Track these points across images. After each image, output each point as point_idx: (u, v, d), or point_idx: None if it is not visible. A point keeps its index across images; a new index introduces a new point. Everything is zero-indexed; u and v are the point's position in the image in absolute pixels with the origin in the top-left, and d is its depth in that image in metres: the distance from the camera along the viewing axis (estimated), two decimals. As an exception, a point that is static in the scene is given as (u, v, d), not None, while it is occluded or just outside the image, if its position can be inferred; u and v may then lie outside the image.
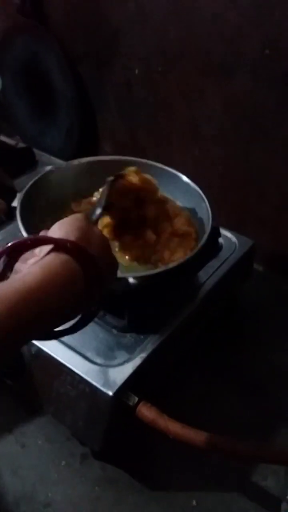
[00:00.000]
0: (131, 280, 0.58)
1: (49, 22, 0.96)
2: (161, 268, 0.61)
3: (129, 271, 0.62)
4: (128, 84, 0.90)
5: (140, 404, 0.54)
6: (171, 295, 0.64)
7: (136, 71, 0.87)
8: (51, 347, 0.58)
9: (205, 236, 0.61)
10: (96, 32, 0.90)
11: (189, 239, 0.65)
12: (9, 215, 0.72)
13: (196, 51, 0.77)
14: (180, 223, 0.67)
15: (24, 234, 0.58)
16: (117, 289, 0.59)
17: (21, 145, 0.93)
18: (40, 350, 0.58)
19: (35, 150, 0.91)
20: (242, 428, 0.62)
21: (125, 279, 0.58)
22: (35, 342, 0.58)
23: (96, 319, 0.60)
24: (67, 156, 0.96)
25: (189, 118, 0.85)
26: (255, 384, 0.69)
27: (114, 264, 0.44)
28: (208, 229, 0.62)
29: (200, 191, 0.67)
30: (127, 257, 0.64)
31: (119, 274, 0.59)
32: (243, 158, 0.80)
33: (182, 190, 0.70)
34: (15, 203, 0.63)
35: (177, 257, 0.62)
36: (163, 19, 0.79)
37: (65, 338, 0.58)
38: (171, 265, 0.59)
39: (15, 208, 0.63)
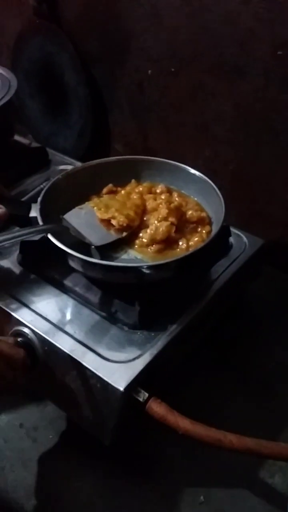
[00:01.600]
0: (144, 269, 0.58)
1: (63, 24, 0.97)
2: (176, 256, 0.62)
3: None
4: (141, 85, 0.91)
5: (151, 400, 0.55)
6: (182, 287, 0.64)
7: (149, 72, 0.88)
8: (63, 343, 0.59)
9: (220, 222, 0.62)
10: (110, 34, 0.91)
11: (204, 224, 0.67)
12: (11, 222, 0.70)
13: (208, 52, 0.78)
14: (192, 210, 0.68)
15: (55, 242, 0.60)
16: (136, 279, 0.60)
17: (35, 144, 0.95)
18: (52, 346, 0.59)
19: (48, 150, 0.92)
20: (250, 426, 0.62)
21: (138, 269, 0.59)
22: (46, 337, 0.59)
23: (107, 316, 0.62)
24: (79, 155, 0.98)
25: (200, 119, 0.86)
26: (263, 382, 0.69)
27: None
28: (222, 215, 0.62)
29: (208, 179, 0.68)
30: (149, 249, 0.65)
31: (132, 263, 0.61)
32: (253, 159, 0.81)
33: (191, 183, 0.71)
34: (33, 213, 0.65)
35: (195, 242, 0.64)
36: (176, 21, 0.80)
37: (77, 335, 0.60)
38: (190, 251, 0.61)
39: (35, 218, 0.64)
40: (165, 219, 0.66)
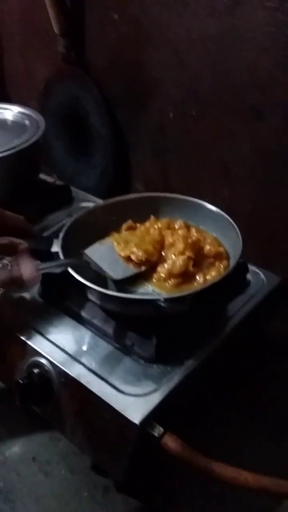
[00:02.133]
0: (161, 302, 0.59)
1: (90, 70, 1.02)
2: (193, 289, 0.63)
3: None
4: (162, 127, 0.94)
5: (166, 435, 0.54)
6: (199, 322, 0.65)
7: (171, 115, 0.91)
8: (80, 375, 0.59)
9: (237, 256, 0.63)
10: (134, 80, 0.95)
11: (222, 259, 0.67)
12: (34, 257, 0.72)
13: (229, 97, 0.81)
14: (210, 245, 0.69)
15: (75, 275, 0.61)
16: (154, 312, 0.60)
17: (59, 182, 0.98)
18: (68, 377, 0.59)
19: (72, 188, 0.95)
20: (268, 465, 0.60)
21: (154, 301, 0.59)
22: (63, 368, 0.60)
23: (124, 348, 0.62)
24: (101, 193, 1.00)
25: (220, 161, 0.88)
26: (282, 420, 0.68)
27: None
28: (239, 249, 0.63)
29: (226, 215, 0.70)
30: (167, 284, 0.66)
31: (149, 296, 0.62)
32: (272, 198, 0.82)
33: (209, 219, 0.73)
34: (55, 248, 0.66)
35: (212, 277, 0.65)
36: (199, 67, 0.83)
37: (94, 367, 0.60)
38: (206, 284, 0.62)
39: (56, 253, 0.65)
40: (182, 253, 0.67)
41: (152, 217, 0.75)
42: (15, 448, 0.66)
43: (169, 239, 0.70)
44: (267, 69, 0.74)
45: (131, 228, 0.75)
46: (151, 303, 0.60)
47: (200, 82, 0.84)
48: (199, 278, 0.66)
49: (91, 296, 0.64)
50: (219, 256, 0.68)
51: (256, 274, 0.74)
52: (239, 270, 0.71)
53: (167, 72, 0.89)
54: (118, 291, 0.65)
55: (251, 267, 0.74)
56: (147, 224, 0.75)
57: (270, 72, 0.74)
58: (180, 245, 0.68)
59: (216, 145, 0.87)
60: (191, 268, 0.66)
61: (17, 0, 1.12)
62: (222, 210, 0.71)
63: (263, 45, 0.73)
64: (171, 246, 0.69)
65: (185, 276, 0.66)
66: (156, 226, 0.73)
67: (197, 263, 0.67)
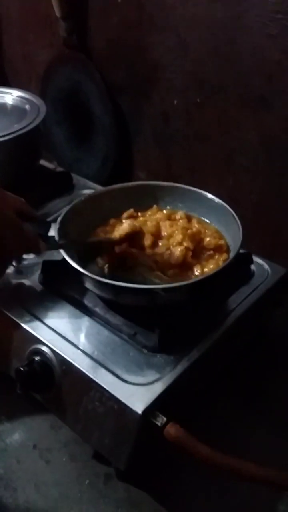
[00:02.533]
0: (161, 292, 0.59)
1: (92, 54, 1.00)
2: (193, 279, 0.62)
3: None
4: (166, 114, 0.93)
5: (169, 425, 0.54)
6: (201, 313, 0.64)
7: (175, 102, 0.90)
8: (82, 363, 0.58)
9: (237, 249, 0.62)
10: (137, 65, 0.94)
11: (221, 251, 0.67)
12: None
13: (234, 84, 0.80)
14: (210, 237, 0.68)
15: (70, 261, 0.61)
16: (148, 301, 0.60)
17: (60, 169, 0.96)
18: (70, 366, 0.59)
19: (73, 175, 0.94)
20: (271, 458, 0.61)
21: (155, 292, 0.59)
22: (65, 356, 0.59)
23: (127, 338, 0.62)
24: (102, 181, 0.99)
25: (224, 149, 0.87)
26: (286, 413, 0.68)
27: None
28: (239, 242, 0.63)
29: (227, 206, 0.69)
30: (164, 275, 0.65)
31: (149, 286, 0.61)
32: (277, 189, 0.82)
33: (212, 210, 0.72)
34: (52, 233, 0.66)
35: (210, 269, 0.64)
36: (203, 52, 0.82)
37: (96, 355, 0.59)
38: (202, 276, 0.61)
39: (53, 237, 0.65)
40: (180, 244, 0.67)
41: (154, 207, 0.75)
42: (16, 436, 0.66)
43: (168, 230, 0.70)
44: (275, 56, 0.73)
45: (132, 217, 0.74)
46: (144, 292, 0.59)
47: (205, 68, 0.83)
48: (196, 270, 0.65)
49: (87, 284, 0.63)
50: (219, 249, 0.67)
51: (260, 265, 0.73)
52: (243, 260, 0.71)
53: (170, 57, 0.87)
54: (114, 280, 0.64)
55: (256, 258, 0.73)
56: (148, 213, 0.74)
57: (277, 59, 0.73)
58: (178, 236, 0.68)
59: (220, 133, 0.86)
60: (189, 259, 0.65)
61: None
62: (226, 199, 0.70)
63: (270, 31, 0.71)
64: (170, 237, 0.69)
65: (183, 267, 0.65)
66: (156, 216, 0.73)
67: (196, 255, 0.67)
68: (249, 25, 0.74)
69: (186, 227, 0.70)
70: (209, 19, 0.78)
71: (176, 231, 0.69)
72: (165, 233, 0.71)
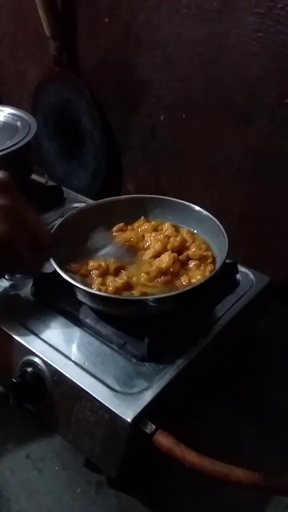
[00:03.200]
0: (150, 302, 0.60)
1: (82, 72, 1.03)
2: (181, 290, 0.64)
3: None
4: (153, 129, 0.96)
5: (157, 432, 0.55)
6: (189, 322, 0.66)
7: (161, 118, 0.93)
8: (73, 373, 0.60)
9: (222, 259, 0.64)
10: (125, 83, 0.96)
11: (207, 262, 0.69)
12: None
13: (219, 100, 0.82)
14: (195, 248, 0.70)
15: (61, 273, 0.63)
16: (137, 311, 0.62)
17: (51, 183, 0.99)
18: (62, 376, 0.60)
19: (64, 188, 0.96)
20: (259, 460, 0.62)
21: (144, 302, 0.60)
22: (56, 367, 0.61)
23: (116, 348, 0.63)
24: (92, 194, 1.02)
25: (209, 162, 0.89)
26: (272, 417, 0.69)
27: None
28: (225, 253, 0.64)
29: (213, 217, 0.71)
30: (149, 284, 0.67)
31: (139, 297, 0.63)
32: (261, 200, 0.84)
33: (199, 221, 0.74)
34: None
35: (197, 280, 0.66)
36: (188, 70, 0.84)
37: (86, 366, 0.61)
38: (190, 286, 0.63)
39: None
40: (158, 254, 0.69)
41: (142, 218, 0.77)
42: (9, 445, 0.67)
43: (152, 241, 0.72)
44: (256, 73, 0.75)
45: (121, 230, 0.76)
46: (132, 303, 0.62)
47: (190, 85, 0.85)
48: (183, 280, 0.67)
49: (78, 296, 0.65)
50: (204, 259, 0.69)
51: (245, 274, 0.75)
52: (229, 270, 0.73)
53: (157, 75, 0.90)
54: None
55: (241, 268, 0.75)
56: (135, 225, 0.76)
57: (258, 76, 0.75)
58: (157, 246, 0.70)
59: (205, 147, 0.88)
60: (173, 269, 0.67)
61: (6, 1, 1.12)
62: (212, 211, 0.72)
63: (252, 49, 0.74)
64: (150, 247, 0.71)
65: (169, 276, 0.67)
66: (143, 228, 0.75)
67: (183, 265, 0.69)
68: (231, 44, 0.77)
69: (168, 237, 0.72)
70: (194, 38, 0.81)
71: (159, 242, 0.71)
72: (147, 244, 0.72)
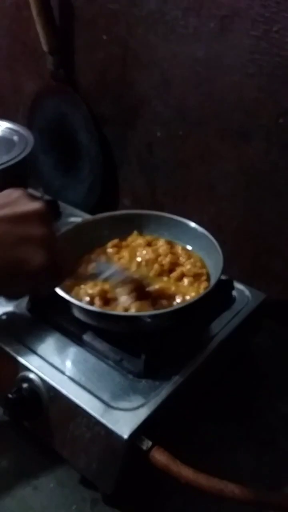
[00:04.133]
0: (146, 318, 0.61)
1: (79, 87, 1.04)
2: (176, 306, 0.64)
3: None
4: (150, 145, 0.97)
5: (154, 449, 0.55)
6: (185, 338, 0.66)
7: (158, 134, 0.94)
8: (69, 390, 0.60)
9: (217, 277, 0.64)
10: (122, 99, 0.97)
11: (201, 280, 0.69)
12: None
13: (215, 118, 0.84)
14: (190, 265, 0.71)
15: (57, 288, 0.63)
16: (133, 327, 0.62)
17: (47, 197, 0.99)
18: (58, 393, 0.60)
19: (60, 202, 0.96)
20: (254, 478, 0.62)
21: (140, 318, 0.61)
22: (52, 383, 0.61)
23: (113, 364, 0.63)
24: (88, 208, 1.02)
25: (205, 179, 0.90)
26: (266, 434, 0.70)
27: None
28: (220, 270, 0.65)
29: (209, 234, 0.71)
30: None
31: (135, 313, 0.63)
32: (256, 216, 0.85)
33: (195, 238, 0.74)
34: None
35: (191, 297, 0.66)
36: (185, 88, 0.86)
37: (83, 382, 0.61)
38: (185, 303, 0.63)
39: None
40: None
41: (135, 233, 0.77)
42: (4, 463, 0.67)
43: (143, 256, 0.73)
44: (252, 93, 0.77)
45: (116, 246, 0.76)
46: (129, 319, 0.62)
47: (187, 103, 0.87)
48: (178, 298, 0.67)
49: (74, 312, 0.65)
50: (198, 277, 0.70)
51: (241, 291, 0.76)
52: (225, 287, 0.74)
53: (154, 92, 0.91)
54: None
55: (237, 284, 0.76)
56: (129, 239, 0.77)
57: (255, 96, 0.77)
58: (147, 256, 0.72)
59: (202, 164, 0.89)
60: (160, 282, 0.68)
61: (4, 15, 1.13)
62: (208, 225, 0.73)
63: (248, 70, 0.76)
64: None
65: (163, 295, 0.67)
66: (136, 243, 0.75)
67: (176, 282, 0.69)
68: (228, 64, 0.78)
69: (159, 254, 0.73)
70: (191, 57, 0.82)
71: (147, 257, 0.72)
72: (139, 259, 0.73)
